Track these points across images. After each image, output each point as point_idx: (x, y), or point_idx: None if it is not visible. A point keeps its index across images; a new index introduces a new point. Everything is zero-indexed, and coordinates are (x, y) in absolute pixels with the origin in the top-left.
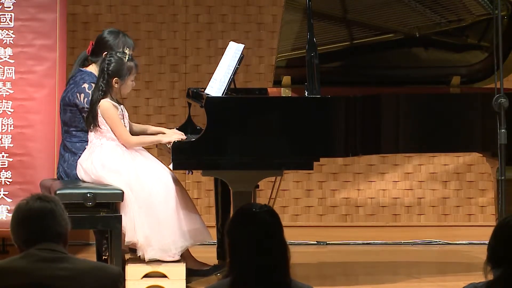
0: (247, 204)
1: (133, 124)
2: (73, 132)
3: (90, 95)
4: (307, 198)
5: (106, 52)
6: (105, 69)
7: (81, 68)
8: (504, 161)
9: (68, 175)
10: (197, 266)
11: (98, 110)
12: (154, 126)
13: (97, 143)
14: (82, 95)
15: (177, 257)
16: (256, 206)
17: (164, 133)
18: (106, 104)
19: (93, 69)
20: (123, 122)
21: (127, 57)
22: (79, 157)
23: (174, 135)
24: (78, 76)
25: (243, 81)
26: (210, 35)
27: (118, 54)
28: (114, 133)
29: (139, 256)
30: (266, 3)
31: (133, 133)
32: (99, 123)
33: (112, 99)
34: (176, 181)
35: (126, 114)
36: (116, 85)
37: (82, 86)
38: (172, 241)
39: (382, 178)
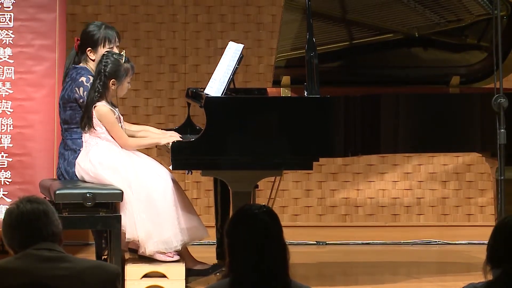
0: (246, 205)
1: (128, 129)
2: (74, 129)
3: (89, 88)
4: (307, 198)
5: (89, 49)
6: (102, 71)
7: (74, 65)
8: (504, 161)
9: (68, 173)
10: (196, 265)
11: (94, 112)
12: (153, 126)
13: (92, 143)
14: (81, 88)
15: (176, 257)
16: (255, 207)
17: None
18: (103, 109)
19: (85, 64)
20: (120, 125)
21: (123, 58)
22: (79, 153)
23: (171, 137)
24: (74, 73)
25: (243, 81)
26: (209, 35)
27: (114, 55)
28: (112, 137)
29: (141, 253)
30: (265, 3)
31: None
32: (94, 125)
33: (107, 102)
34: (173, 179)
35: (121, 117)
36: (113, 87)
37: (80, 80)
38: (173, 234)
39: (382, 178)
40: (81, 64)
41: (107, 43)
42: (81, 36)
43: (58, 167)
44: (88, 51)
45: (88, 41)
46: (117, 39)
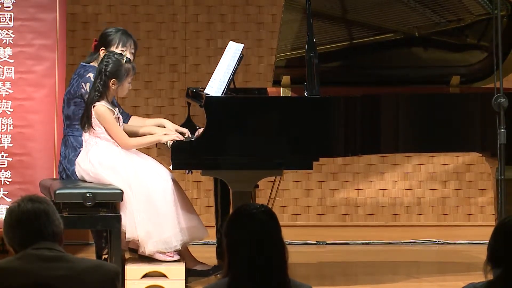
0: (245, 205)
1: (128, 125)
2: (76, 126)
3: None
4: (307, 198)
5: (103, 48)
6: (103, 70)
7: (83, 63)
8: (504, 161)
9: (68, 170)
10: (196, 265)
11: (93, 112)
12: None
13: (92, 143)
14: (88, 84)
15: (177, 257)
16: (253, 206)
17: (160, 126)
18: (101, 109)
19: (95, 64)
20: (119, 125)
21: (125, 58)
22: (80, 152)
23: (173, 133)
24: (82, 70)
25: (243, 81)
26: (209, 35)
27: (115, 55)
28: (112, 137)
29: (141, 252)
30: (265, 2)
31: (128, 134)
32: (93, 125)
33: (107, 101)
34: (173, 179)
35: (121, 117)
36: (113, 87)
37: (87, 76)
38: (173, 234)
39: (382, 178)
40: (91, 64)
41: (120, 45)
42: (99, 37)
43: (59, 163)
44: (101, 50)
45: (103, 41)
46: (132, 46)
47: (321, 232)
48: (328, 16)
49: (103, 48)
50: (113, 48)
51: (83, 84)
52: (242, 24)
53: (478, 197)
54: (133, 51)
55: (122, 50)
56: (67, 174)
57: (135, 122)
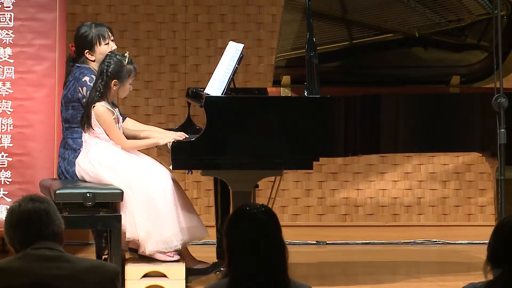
0: (244, 205)
1: (128, 128)
2: (75, 128)
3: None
4: (307, 198)
5: (87, 51)
6: (105, 71)
7: (78, 64)
8: (504, 161)
9: (68, 172)
10: (196, 265)
11: (92, 112)
12: (154, 126)
13: (92, 143)
14: (84, 88)
15: (177, 257)
16: (253, 206)
17: (157, 132)
18: (101, 109)
19: (91, 65)
20: (118, 126)
21: (127, 59)
22: (80, 153)
23: (171, 136)
24: (77, 72)
25: (243, 81)
26: (209, 35)
27: (117, 56)
28: (109, 137)
29: (141, 252)
30: (265, 2)
31: (126, 136)
32: (93, 125)
33: (107, 102)
34: (173, 179)
35: (120, 117)
36: (114, 87)
37: (83, 80)
38: (173, 233)
39: (382, 178)
40: (85, 65)
41: (101, 39)
42: (75, 41)
43: (58, 166)
44: (86, 53)
45: (83, 43)
46: (110, 34)
47: (321, 232)
48: (328, 16)
49: (87, 50)
50: (97, 45)
51: (79, 88)
52: (242, 24)
53: (478, 197)
54: (112, 38)
55: (106, 44)
56: (65, 176)
57: (130, 125)
